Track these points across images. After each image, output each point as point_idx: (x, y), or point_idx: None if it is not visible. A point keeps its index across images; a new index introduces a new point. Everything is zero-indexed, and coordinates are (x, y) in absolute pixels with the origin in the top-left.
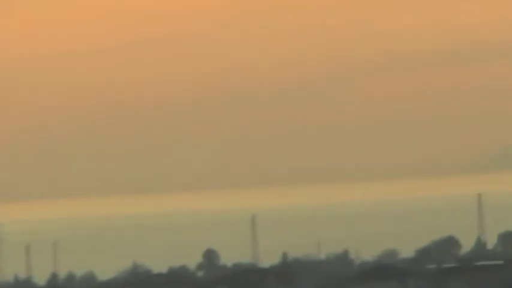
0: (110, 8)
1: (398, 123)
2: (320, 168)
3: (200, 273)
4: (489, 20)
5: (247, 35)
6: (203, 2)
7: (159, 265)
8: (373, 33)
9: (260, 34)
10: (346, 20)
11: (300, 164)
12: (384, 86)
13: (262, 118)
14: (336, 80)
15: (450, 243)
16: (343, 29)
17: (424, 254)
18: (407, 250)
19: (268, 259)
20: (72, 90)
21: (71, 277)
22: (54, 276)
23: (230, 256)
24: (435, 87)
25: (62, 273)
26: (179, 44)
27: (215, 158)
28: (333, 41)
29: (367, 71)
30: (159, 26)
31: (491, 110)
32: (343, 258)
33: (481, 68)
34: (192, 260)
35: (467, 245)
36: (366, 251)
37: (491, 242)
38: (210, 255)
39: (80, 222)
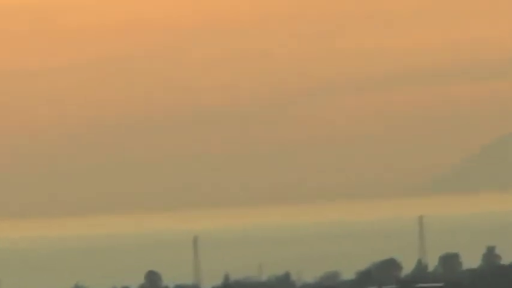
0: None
1: (345, 144)
2: (263, 190)
3: None
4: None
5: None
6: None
7: (100, 286)
8: (334, 52)
9: (216, 53)
10: (308, 39)
11: (243, 186)
12: (335, 105)
13: (210, 138)
14: (291, 99)
15: (391, 265)
16: (306, 48)
17: (365, 276)
18: (348, 272)
19: (210, 281)
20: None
21: None
22: None
23: (172, 277)
24: (384, 110)
25: None
26: (137, 63)
27: (159, 180)
28: (295, 59)
29: (327, 91)
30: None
31: (432, 133)
32: (284, 280)
33: (426, 92)
34: (134, 281)
35: (408, 267)
36: (308, 273)
37: (432, 264)
38: (151, 277)
39: (23, 243)
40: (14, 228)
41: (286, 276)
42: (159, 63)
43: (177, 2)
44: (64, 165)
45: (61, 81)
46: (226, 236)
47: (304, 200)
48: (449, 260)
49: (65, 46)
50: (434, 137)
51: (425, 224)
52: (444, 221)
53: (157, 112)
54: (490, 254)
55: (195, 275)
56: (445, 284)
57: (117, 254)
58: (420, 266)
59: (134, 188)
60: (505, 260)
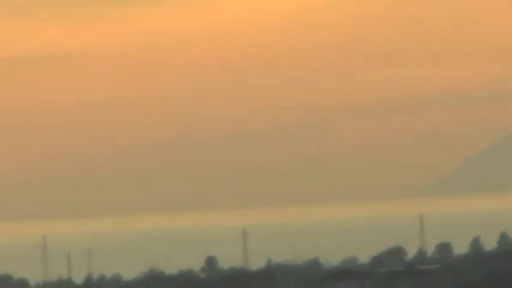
0: None
1: (371, 157)
2: (293, 194)
3: (203, 275)
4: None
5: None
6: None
7: (170, 268)
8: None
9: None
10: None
11: (285, 189)
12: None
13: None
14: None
15: (398, 251)
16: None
17: (378, 260)
18: (364, 257)
19: (256, 264)
20: None
21: (102, 277)
22: (89, 277)
23: (226, 261)
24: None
25: (95, 274)
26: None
27: (224, 184)
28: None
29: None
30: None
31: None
32: (315, 263)
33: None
34: (196, 264)
35: (411, 253)
36: (333, 258)
37: (430, 250)
38: (211, 261)
39: (109, 235)
40: (102, 223)
41: (316, 260)
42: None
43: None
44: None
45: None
46: (269, 229)
47: (325, 200)
48: (444, 248)
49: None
50: (424, 150)
51: (425, 220)
52: (439, 217)
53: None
54: (476, 243)
55: (244, 259)
56: (441, 267)
57: (183, 243)
58: (421, 252)
59: (204, 190)
60: (488, 247)
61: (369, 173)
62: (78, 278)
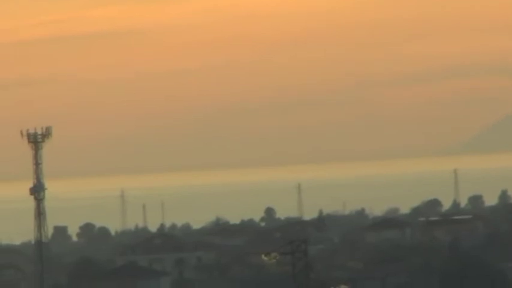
0: None
1: (403, 119)
2: (341, 151)
3: (262, 224)
4: None
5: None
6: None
7: (234, 218)
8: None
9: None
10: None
11: (323, 147)
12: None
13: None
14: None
15: (435, 203)
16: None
17: (417, 211)
18: (405, 208)
19: (309, 214)
20: None
21: (174, 226)
22: (162, 226)
23: (283, 212)
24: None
25: (168, 223)
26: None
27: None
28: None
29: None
30: None
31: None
32: (361, 214)
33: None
34: (257, 214)
35: (447, 204)
36: (377, 209)
37: (463, 202)
38: (269, 211)
39: (180, 189)
40: (186, 178)
41: (362, 210)
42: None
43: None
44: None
45: None
46: (320, 184)
47: (370, 157)
48: (475, 200)
49: None
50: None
51: (458, 175)
52: (472, 172)
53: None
54: (504, 195)
55: (299, 210)
56: (473, 216)
57: (245, 196)
58: (455, 204)
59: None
60: None
61: (409, 135)
62: (153, 226)
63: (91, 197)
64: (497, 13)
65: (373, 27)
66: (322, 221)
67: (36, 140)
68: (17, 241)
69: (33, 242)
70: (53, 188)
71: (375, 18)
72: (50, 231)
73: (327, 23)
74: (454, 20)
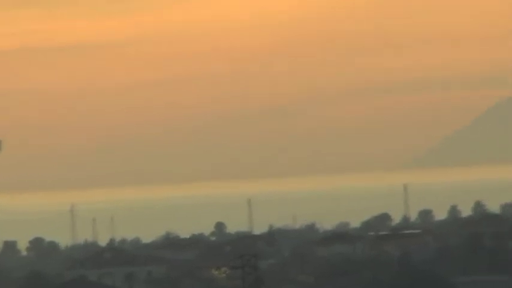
0: None
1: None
2: (298, 164)
3: (213, 238)
4: None
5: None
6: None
7: (184, 232)
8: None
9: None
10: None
11: (278, 162)
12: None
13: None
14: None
15: (385, 217)
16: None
17: (367, 225)
18: (355, 222)
19: (259, 229)
20: None
21: (124, 240)
22: (112, 240)
23: (234, 226)
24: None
25: (118, 238)
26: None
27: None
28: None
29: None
30: None
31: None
32: (311, 228)
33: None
34: (207, 229)
35: (396, 219)
36: (327, 223)
37: (413, 217)
38: (219, 226)
39: (130, 203)
40: (124, 194)
41: (312, 225)
42: None
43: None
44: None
45: None
46: (271, 198)
47: (320, 171)
48: (425, 214)
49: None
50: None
51: (409, 190)
52: (421, 187)
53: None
54: (453, 210)
55: (249, 224)
56: (422, 231)
57: (196, 210)
58: (405, 218)
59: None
60: (464, 214)
61: (360, 149)
62: (103, 241)
63: (41, 211)
64: (445, 26)
65: (327, 40)
66: (273, 236)
67: None
68: None
69: None
70: (2, 202)
71: (328, 32)
72: None
73: (276, 38)
74: (405, 33)
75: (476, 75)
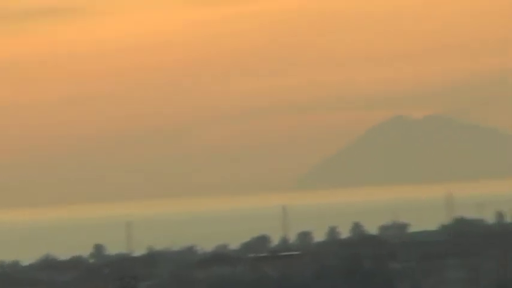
0: None
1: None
2: (169, 186)
3: (92, 260)
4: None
5: None
6: None
7: (63, 254)
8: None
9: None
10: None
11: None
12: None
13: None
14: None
15: (264, 239)
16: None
17: (246, 247)
18: (235, 244)
19: (139, 250)
20: None
21: (2, 263)
22: None
23: (113, 248)
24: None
25: None
26: None
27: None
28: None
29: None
30: None
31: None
32: (190, 250)
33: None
34: (86, 251)
35: (275, 240)
36: (207, 245)
37: (292, 238)
38: (98, 247)
39: (9, 225)
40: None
41: (191, 247)
42: None
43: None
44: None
45: None
46: (150, 219)
47: (200, 193)
48: (303, 236)
49: None
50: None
51: (287, 211)
52: (300, 208)
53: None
54: (332, 231)
55: (128, 246)
56: (301, 252)
57: (75, 232)
58: (284, 240)
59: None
60: (343, 235)
61: (239, 171)
62: None
63: None
64: (329, 47)
65: (209, 62)
66: (152, 258)
67: None
68: None
69: None
70: None
71: (211, 53)
72: None
73: (163, 58)
74: (289, 54)
75: (358, 96)
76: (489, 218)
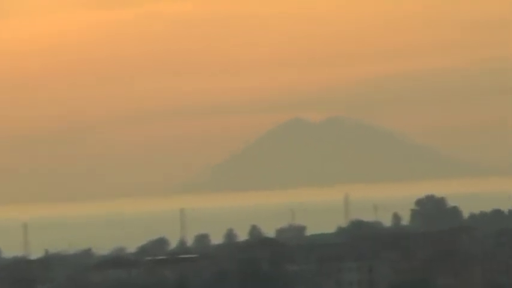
0: None
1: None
2: (75, 190)
3: None
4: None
5: None
6: None
7: None
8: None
9: None
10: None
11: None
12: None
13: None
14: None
15: (162, 242)
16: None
17: (144, 250)
18: (132, 247)
19: (35, 253)
20: None
21: None
22: None
23: (9, 251)
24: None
25: None
26: None
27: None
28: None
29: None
30: None
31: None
32: (87, 253)
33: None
34: None
35: (173, 243)
36: (103, 248)
37: (190, 241)
38: None
39: None
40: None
41: (88, 250)
42: None
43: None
44: None
45: None
46: (45, 223)
47: (97, 196)
48: (201, 239)
49: None
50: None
51: (185, 214)
52: (198, 212)
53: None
54: (230, 234)
55: (25, 249)
56: (199, 255)
57: None
58: (182, 243)
59: None
60: (241, 238)
61: (135, 174)
62: None
63: None
64: (233, 51)
65: (100, 65)
66: (49, 260)
67: None
68: None
69: None
70: None
71: (109, 53)
72: None
73: (53, 61)
74: (189, 58)
75: (256, 99)
76: (386, 220)
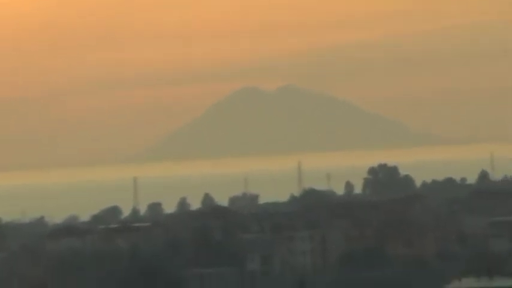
0: None
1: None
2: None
3: None
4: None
5: None
6: None
7: None
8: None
9: None
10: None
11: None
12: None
13: None
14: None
15: (115, 210)
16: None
17: (97, 218)
18: (85, 216)
19: None
20: None
21: None
22: None
23: None
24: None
25: None
26: None
27: None
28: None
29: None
30: None
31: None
32: (40, 222)
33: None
34: None
35: (126, 212)
36: (57, 217)
37: (143, 210)
38: None
39: None
40: None
41: (41, 219)
42: None
43: None
44: None
45: None
46: None
47: (51, 164)
48: (154, 208)
49: None
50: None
51: (138, 183)
52: (151, 180)
53: None
54: (183, 202)
55: None
56: (152, 224)
57: None
58: (135, 212)
59: None
60: (193, 207)
61: (89, 142)
62: None
63: None
64: (175, 21)
65: (54, 34)
66: (1, 230)
67: None
68: None
69: None
70: None
71: (57, 24)
72: None
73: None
74: (134, 28)
75: (205, 69)
76: (338, 189)
